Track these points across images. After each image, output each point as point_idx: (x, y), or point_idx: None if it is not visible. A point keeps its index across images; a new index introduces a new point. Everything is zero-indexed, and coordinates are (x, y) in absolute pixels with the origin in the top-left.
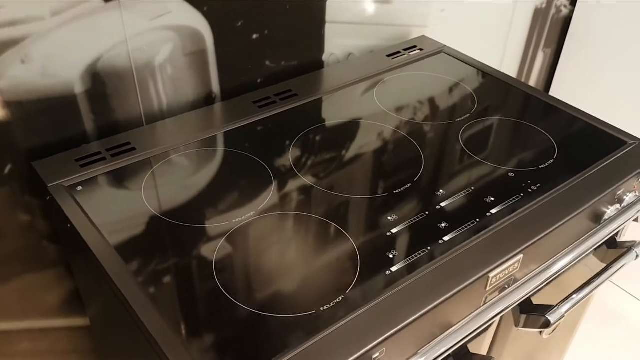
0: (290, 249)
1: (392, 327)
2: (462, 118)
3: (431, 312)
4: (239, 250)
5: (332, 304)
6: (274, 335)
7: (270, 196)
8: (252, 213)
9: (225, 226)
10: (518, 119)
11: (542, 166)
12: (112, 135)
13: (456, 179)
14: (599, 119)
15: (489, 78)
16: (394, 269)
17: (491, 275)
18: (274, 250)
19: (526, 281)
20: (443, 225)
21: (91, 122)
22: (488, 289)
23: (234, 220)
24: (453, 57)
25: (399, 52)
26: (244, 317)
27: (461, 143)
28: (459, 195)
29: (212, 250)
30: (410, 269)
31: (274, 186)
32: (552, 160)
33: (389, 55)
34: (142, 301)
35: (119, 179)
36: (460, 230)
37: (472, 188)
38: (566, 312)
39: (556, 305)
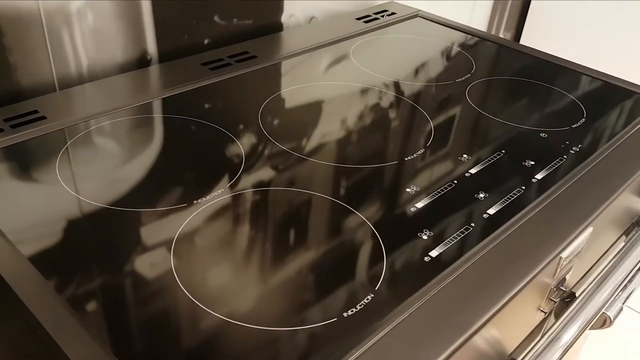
0: (282, 236)
1: (457, 336)
2: (463, 78)
3: (502, 310)
4: (210, 240)
5: (359, 307)
6: (287, 358)
7: (242, 169)
8: (220, 191)
9: (184, 210)
10: (526, 78)
11: (575, 125)
12: (13, 102)
13: (478, 141)
14: (613, 76)
15: (480, 40)
16: (433, 253)
17: (563, 255)
18: (261, 238)
19: (611, 274)
20: (481, 195)
21: None
22: (557, 274)
23: (195, 202)
24: (433, 21)
25: (369, 16)
26: (238, 337)
27: (471, 103)
28: (490, 160)
29: (169, 246)
30: (456, 252)
31: (243, 157)
32: (583, 119)
33: (359, 19)
34: (73, 333)
35: (25, 156)
36: (506, 200)
37: (503, 151)
38: (623, 303)
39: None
